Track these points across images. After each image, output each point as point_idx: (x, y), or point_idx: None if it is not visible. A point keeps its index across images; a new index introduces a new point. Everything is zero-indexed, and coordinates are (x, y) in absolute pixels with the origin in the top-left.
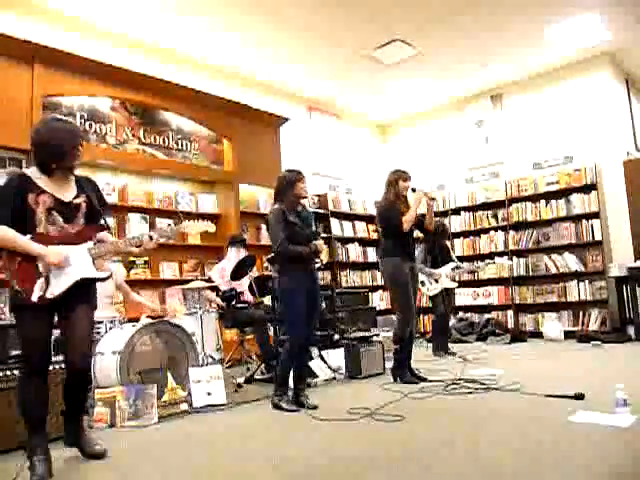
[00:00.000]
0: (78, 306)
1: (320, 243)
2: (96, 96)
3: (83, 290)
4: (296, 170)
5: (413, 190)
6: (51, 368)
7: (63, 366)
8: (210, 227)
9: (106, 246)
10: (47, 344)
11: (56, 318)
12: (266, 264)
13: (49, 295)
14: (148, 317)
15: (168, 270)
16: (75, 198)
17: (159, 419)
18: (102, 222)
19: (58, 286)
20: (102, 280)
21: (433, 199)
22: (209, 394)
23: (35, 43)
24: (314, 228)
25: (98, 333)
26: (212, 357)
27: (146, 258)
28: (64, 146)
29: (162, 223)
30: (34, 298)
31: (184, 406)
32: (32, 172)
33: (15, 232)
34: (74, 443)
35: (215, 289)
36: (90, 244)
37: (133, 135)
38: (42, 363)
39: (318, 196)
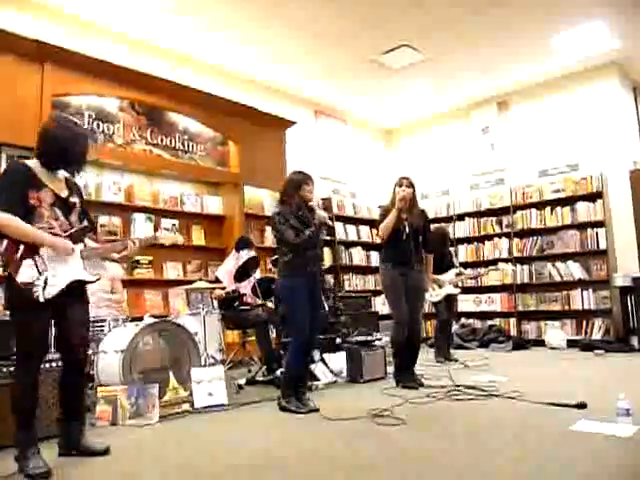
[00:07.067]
0: (72, 301)
1: (322, 214)
2: (105, 96)
3: (75, 288)
4: (303, 172)
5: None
6: (47, 366)
7: (59, 364)
8: (179, 239)
9: (96, 249)
10: (47, 341)
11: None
12: (269, 266)
13: (47, 295)
14: (151, 316)
15: (172, 270)
16: (69, 197)
17: (160, 418)
18: (89, 224)
19: (55, 286)
20: (92, 282)
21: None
22: (210, 395)
23: (45, 43)
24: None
25: (102, 331)
26: (214, 358)
27: (150, 258)
28: (74, 150)
29: (167, 224)
30: (41, 298)
31: (185, 406)
32: (34, 164)
33: (22, 221)
34: (74, 446)
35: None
36: (82, 246)
37: (140, 135)
38: (42, 359)
39: (323, 200)
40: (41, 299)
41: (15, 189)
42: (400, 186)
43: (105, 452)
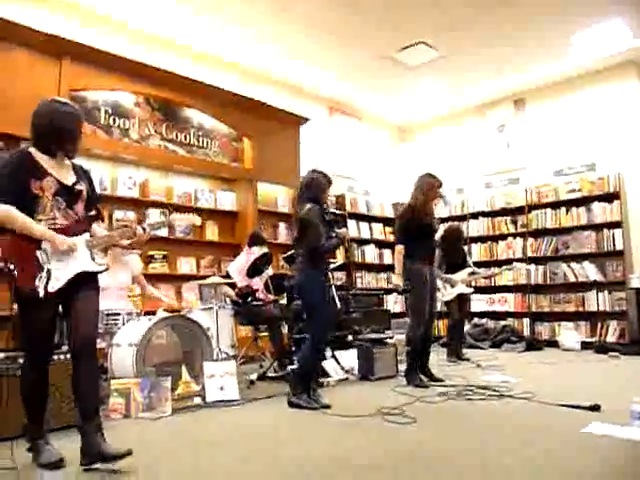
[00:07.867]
0: (82, 291)
1: (345, 231)
2: (121, 91)
3: (84, 279)
4: (325, 174)
5: (440, 196)
6: (63, 357)
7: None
8: (196, 221)
9: (102, 238)
10: (51, 336)
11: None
12: (282, 262)
13: (50, 289)
14: (165, 311)
15: (185, 265)
16: (75, 184)
17: (172, 412)
18: (95, 212)
19: (59, 279)
20: (99, 273)
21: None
22: (222, 389)
23: (63, 38)
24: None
25: (115, 325)
26: (226, 353)
27: (165, 253)
28: (63, 127)
29: (181, 219)
30: (41, 293)
31: (197, 400)
32: (35, 152)
33: (20, 212)
34: (95, 454)
35: (232, 285)
36: (87, 235)
37: (155, 131)
38: (45, 355)
39: (336, 197)
40: (41, 294)
41: (15, 178)
42: (439, 187)
43: (126, 455)
